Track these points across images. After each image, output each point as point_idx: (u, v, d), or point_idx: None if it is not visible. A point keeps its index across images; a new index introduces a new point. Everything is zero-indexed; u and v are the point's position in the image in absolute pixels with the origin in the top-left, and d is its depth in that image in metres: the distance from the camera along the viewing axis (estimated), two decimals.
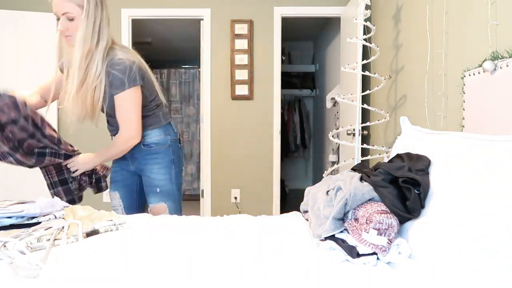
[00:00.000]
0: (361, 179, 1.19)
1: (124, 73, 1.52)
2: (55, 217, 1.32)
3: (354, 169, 1.37)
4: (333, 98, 3.90)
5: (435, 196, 1.02)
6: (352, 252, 0.99)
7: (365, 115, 3.00)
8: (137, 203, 1.86)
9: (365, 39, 2.38)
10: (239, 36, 3.60)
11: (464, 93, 1.53)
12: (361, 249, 0.99)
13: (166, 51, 5.79)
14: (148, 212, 1.75)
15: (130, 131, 1.61)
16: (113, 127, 1.72)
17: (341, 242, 1.04)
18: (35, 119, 1.52)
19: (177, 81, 5.62)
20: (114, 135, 1.73)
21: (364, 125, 2.49)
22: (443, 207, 0.97)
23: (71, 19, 1.44)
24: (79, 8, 1.43)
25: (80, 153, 1.73)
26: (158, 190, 1.72)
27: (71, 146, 1.71)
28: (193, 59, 5.15)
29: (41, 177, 1.71)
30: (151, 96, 1.71)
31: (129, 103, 1.57)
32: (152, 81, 1.71)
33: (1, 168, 3.11)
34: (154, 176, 1.72)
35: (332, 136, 2.56)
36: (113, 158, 1.76)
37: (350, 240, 1.03)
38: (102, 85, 1.52)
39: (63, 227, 1.20)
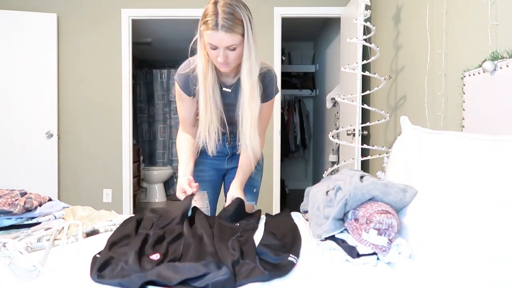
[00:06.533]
0: (361, 178, 1.19)
1: (273, 83, 1.54)
2: (55, 218, 1.32)
3: None
4: (333, 98, 3.90)
5: (436, 196, 1.02)
6: (352, 252, 0.99)
7: (365, 115, 2.99)
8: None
9: (365, 40, 2.38)
10: None
11: (464, 93, 1.53)
12: (361, 249, 0.99)
13: (166, 51, 5.78)
14: None
15: (263, 139, 1.59)
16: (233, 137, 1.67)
17: (341, 242, 1.04)
18: None
19: None
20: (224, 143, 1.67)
21: (364, 125, 2.49)
22: (443, 207, 0.97)
23: (233, 49, 1.34)
24: (241, 37, 1.33)
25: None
26: (255, 190, 1.73)
27: None
28: None
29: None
30: None
31: (270, 111, 1.60)
32: None
33: (2, 169, 3.11)
34: (254, 176, 1.70)
35: (332, 136, 2.56)
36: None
37: (350, 240, 1.03)
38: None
39: (63, 228, 1.21)
